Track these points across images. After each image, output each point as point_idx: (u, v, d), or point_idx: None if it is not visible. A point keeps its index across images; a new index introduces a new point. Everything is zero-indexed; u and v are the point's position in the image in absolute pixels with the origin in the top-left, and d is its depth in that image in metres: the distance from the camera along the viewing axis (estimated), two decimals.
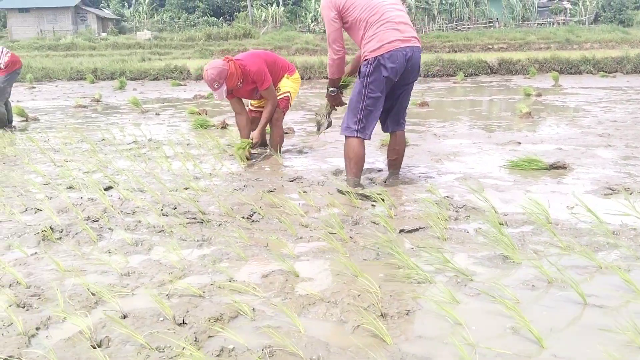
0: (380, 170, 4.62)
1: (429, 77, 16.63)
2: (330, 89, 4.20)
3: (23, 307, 2.31)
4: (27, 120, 8.29)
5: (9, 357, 1.92)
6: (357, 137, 3.91)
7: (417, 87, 12.53)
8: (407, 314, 2.18)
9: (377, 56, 3.74)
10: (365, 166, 4.26)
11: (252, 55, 5.20)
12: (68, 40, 37.45)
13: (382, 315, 2.16)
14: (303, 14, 48.71)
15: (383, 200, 3.48)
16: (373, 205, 3.60)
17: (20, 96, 12.77)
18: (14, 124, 7.72)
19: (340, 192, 3.84)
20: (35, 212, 3.63)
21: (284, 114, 5.36)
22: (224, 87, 4.81)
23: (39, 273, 2.65)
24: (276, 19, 48.95)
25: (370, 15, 3.79)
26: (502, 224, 3.10)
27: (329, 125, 4.57)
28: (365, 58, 3.81)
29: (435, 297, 2.23)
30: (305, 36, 34.40)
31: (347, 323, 2.12)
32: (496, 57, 17.58)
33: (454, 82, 14.74)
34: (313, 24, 45.25)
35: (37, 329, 2.12)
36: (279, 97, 5.23)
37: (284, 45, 27.37)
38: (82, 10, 54.04)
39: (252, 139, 5.15)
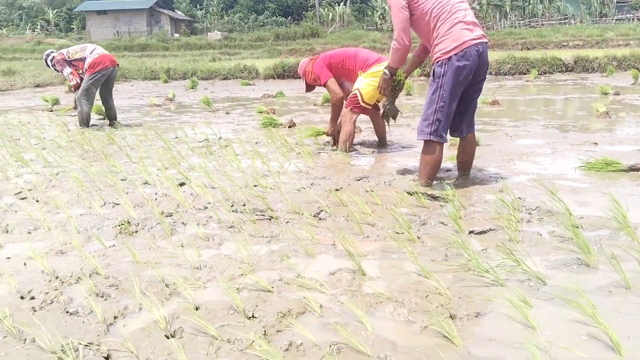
0: (448, 170, 4.55)
1: (500, 75, 16.21)
2: (387, 72, 4.25)
3: (102, 297, 2.41)
4: (105, 119, 8.64)
5: (89, 343, 2.01)
6: (431, 139, 3.87)
7: (488, 86, 12.25)
8: (476, 316, 2.14)
9: (451, 56, 3.70)
10: None
11: (323, 55, 5.71)
12: (142, 41, 38.91)
13: (450, 316, 2.13)
14: (370, 12, 48.62)
15: (452, 200, 3.43)
16: (441, 206, 3.55)
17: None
18: (92, 122, 8.08)
19: (409, 192, 3.81)
20: (113, 207, 3.79)
21: (353, 113, 5.29)
22: (304, 81, 5.92)
23: (117, 264, 2.77)
24: (343, 18, 49.10)
25: (441, 12, 3.75)
26: (577, 227, 2.99)
27: (397, 112, 4.62)
28: (438, 59, 3.76)
29: (506, 300, 2.18)
30: (373, 34, 34.39)
31: (415, 323, 2.10)
32: (571, 55, 16.91)
33: (527, 81, 14.30)
34: (380, 22, 45.08)
35: (115, 317, 2.22)
36: (349, 97, 5.35)
37: (352, 44, 27.36)
38: (156, 12, 56.04)
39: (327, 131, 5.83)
